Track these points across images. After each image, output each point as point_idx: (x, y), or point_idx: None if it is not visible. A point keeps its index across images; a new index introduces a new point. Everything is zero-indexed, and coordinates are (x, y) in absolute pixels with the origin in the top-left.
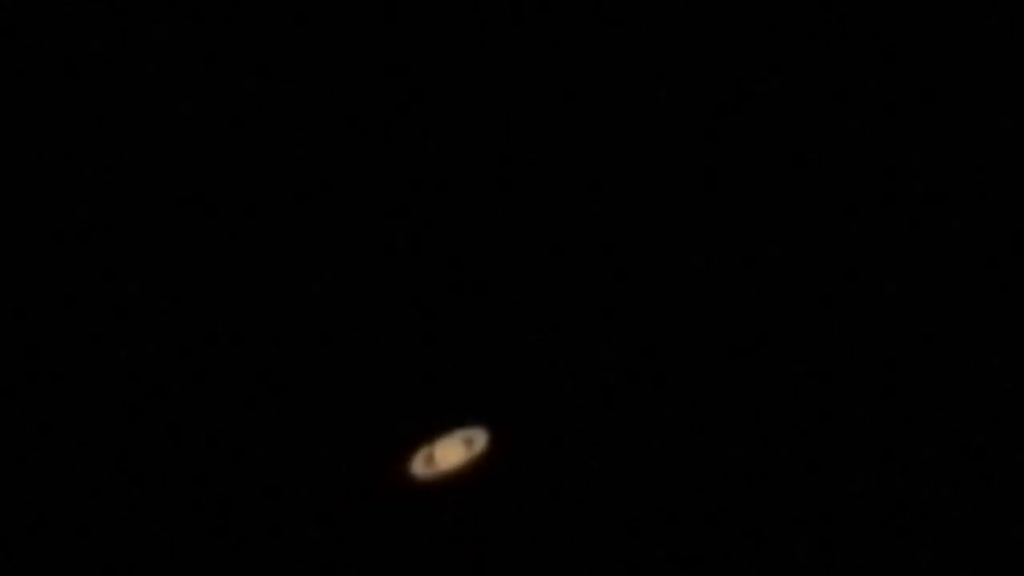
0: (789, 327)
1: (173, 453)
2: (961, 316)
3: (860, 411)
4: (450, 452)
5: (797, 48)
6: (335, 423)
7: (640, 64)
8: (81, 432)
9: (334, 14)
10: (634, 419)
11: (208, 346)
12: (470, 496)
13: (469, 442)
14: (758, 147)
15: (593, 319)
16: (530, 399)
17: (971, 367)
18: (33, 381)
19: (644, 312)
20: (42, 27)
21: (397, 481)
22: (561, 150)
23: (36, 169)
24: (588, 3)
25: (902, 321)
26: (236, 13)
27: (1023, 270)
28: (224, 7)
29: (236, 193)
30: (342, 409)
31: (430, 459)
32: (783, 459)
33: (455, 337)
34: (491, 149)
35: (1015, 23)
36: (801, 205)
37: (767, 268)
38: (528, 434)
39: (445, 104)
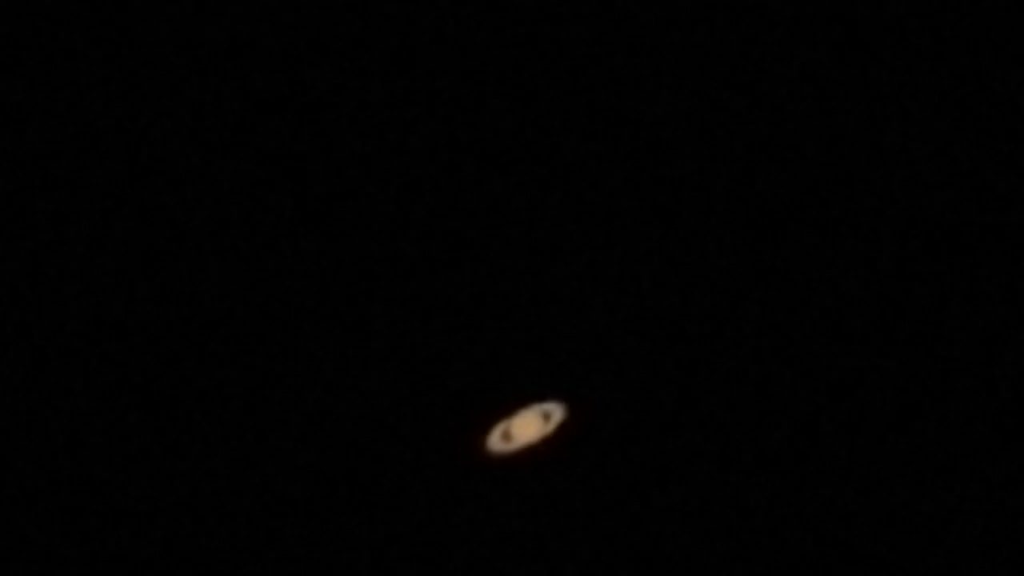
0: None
1: (258, 425)
2: (963, 317)
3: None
4: (527, 426)
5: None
6: (414, 397)
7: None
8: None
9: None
10: (709, 396)
11: (295, 319)
12: (546, 470)
13: (546, 416)
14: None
15: (671, 296)
16: (607, 374)
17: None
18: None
19: (723, 291)
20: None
21: (475, 455)
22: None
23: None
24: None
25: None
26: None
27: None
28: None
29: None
30: (421, 384)
31: (507, 433)
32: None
33: (534, 312)
34: (574, 136)
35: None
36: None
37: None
38: (604, 409)
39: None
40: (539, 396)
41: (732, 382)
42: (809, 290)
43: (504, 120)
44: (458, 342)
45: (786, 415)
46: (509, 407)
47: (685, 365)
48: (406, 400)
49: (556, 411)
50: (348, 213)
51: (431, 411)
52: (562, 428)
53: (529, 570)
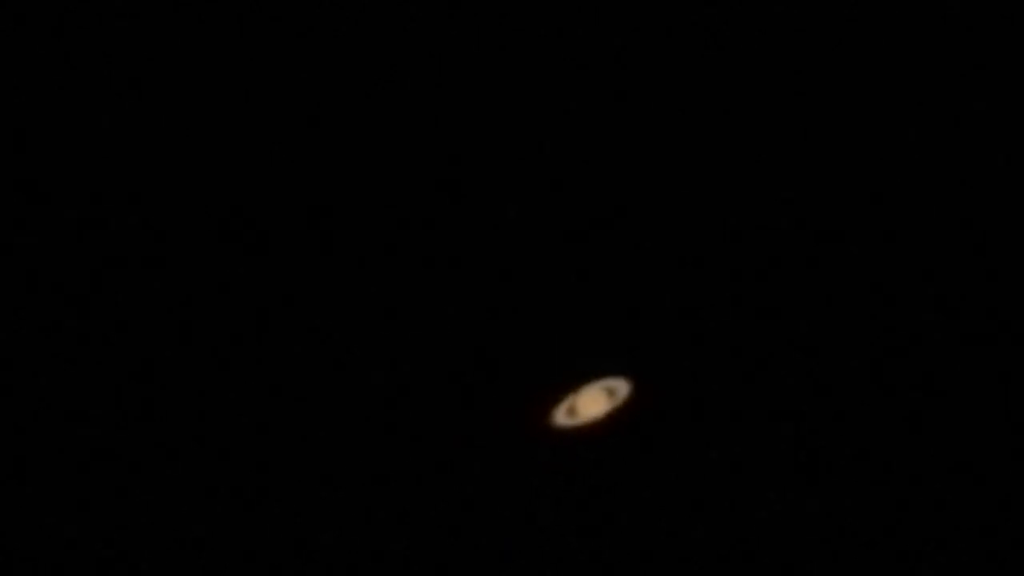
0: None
1: (328, 397)
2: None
3: None
4: (592, 402)
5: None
6: (481, 373)
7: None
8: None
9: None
10: (770, 373)
11: (369, 291)
12: (610, 445)
13: (611, 392)
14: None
15: (735, 277)
16: (672, 351)
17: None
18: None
19: (788, 271)
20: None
21: (540, 430)
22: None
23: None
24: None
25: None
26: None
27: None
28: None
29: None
30: (488, 359)
31: (573, 409)
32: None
33: (601, 289)
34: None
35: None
36: None
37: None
38: (669, 385)
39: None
40: (604, 372)
41: (795, 361)
42: (888, 265)
43: (576, 98)
44: (528, 318)
45: (859, 395)
46: (575, 382)
47: (751, 345)
48: (474, 374)
49: (621, 387)
50: (422, 191)
51: (499, 385)
52: (626, 404)
53: (589, 543)
